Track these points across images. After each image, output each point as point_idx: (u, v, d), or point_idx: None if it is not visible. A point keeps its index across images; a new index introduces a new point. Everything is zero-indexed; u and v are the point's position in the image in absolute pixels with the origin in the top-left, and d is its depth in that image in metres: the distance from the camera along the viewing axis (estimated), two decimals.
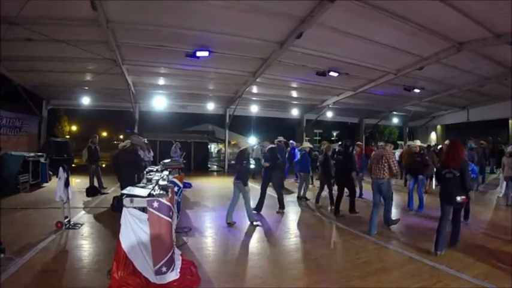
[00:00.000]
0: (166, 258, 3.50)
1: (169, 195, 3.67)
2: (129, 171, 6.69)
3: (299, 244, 6.02)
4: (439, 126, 24.98)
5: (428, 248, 5.43)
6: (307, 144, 10.86)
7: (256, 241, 6.15)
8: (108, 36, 8.82)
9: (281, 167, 9.34)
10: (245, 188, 7.12)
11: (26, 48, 9.89)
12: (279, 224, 7.28)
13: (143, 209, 3.53)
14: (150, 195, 3.59)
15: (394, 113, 22.91)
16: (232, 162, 15.45)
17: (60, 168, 6.29)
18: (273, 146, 9.11)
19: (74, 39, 9.14)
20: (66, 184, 6.28)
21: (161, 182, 4.16)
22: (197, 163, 20.27)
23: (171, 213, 3.55)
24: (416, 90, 14.82)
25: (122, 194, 3.64)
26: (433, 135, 25.38)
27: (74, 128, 36.92)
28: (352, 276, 4.41)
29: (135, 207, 3.47)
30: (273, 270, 4.65)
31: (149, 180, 4.92)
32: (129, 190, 3.67)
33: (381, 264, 4.89)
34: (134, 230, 3.44)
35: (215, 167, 23.61)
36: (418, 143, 9.17)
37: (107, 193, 10.35)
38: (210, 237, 6.27)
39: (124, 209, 3.45)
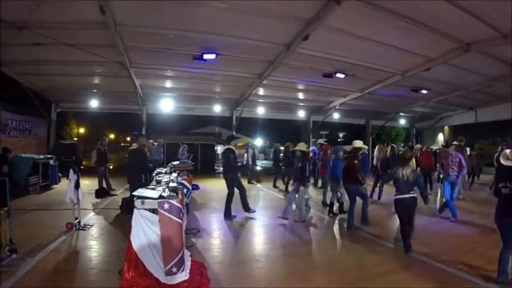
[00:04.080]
0: (176, 259, 3.54)
1: (180, 196, 3.72)
2: (137, 172, 6.76)
3: (307, 245, 6.04)
4: (446, 127, 24.71)
5: (433, 250, 5.47)
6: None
7: (263, 242, 6.19)
8: (116, 40, 8.93)
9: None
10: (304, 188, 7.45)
11: (35, 52, 10.03)
12: (286, 225, 7.28)
13: (154, 211, 3.58)
14: (160, 197, 3.63)
15: (401, 114, 22.79)
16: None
17: (71, 170, 6.37)
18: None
19: (83, 43, 9.26)
20: (77, 186, 6.36)
21: (171, 184, 4.20)
22: (204, 165, 20.30)
23: (181, 215, 3.60)
24: (424, 91, 14.70)
25: (133, 196, 3.69)
26: (440, 137, 25.14)
27: (81, 130, 37.23)
28: (361, 278, 4.41)
29: (146, 209, 3.52)
30: (281, 272, 4.67)
31: (158, 182, 4.97)
32: (140, 192, 3.72)
33: (389, 265, 4.87)
34: (145, 231, 3.48)
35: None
36: (357, 144, 7.42)
37: (116, 194, 10.44)
38: (218, 238, 6.31)
39: (135, 210, 3.50)
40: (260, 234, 6.79)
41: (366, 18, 8.02)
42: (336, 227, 7.33)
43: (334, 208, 8.28)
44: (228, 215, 7.82)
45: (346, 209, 7.77)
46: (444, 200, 8.04)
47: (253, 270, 4.71)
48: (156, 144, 12.96)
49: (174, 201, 3.51)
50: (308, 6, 7.53)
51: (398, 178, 5.52)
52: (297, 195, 7.69)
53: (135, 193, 3.76)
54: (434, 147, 20.12)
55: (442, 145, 14.78)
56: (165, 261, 3.49)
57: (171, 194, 3.70)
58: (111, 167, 17.97)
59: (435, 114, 22.66)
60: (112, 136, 48.25)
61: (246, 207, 8.08)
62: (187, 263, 4.11)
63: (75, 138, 31.46)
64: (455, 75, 12.61)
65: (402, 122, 25.14)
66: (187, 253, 4.38)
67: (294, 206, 7.80)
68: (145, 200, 3.52)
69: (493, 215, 4.54)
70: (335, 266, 4.93)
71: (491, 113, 19.29)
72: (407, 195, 5.45)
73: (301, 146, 7.70)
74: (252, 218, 7.89)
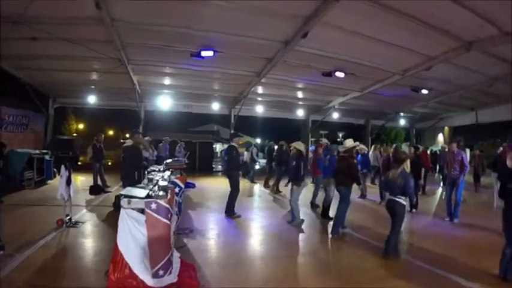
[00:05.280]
0: (163, 261, 3.43)
1: (169, 196, 3.60)
2: (130, 169, 6.66)
3: (303, 248, 5.93)
4: (446, 128, 24.58)
5: (434, 254, 5.39)
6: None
7: (259, 244, 6.07)
8: (113, 36, 8.80)
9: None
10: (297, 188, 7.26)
11: (33, 46, 9.90)
12: (283, 227, 7.19)
13: (142, 211, 3.46)
14: (148, 196, 3.53)
15: (401, 114, 22.63)
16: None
17: (62, 166, 6.27)
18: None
19: (79, 38, 9.15)
20: (68, 182, 6.26)
21: (161, 183, 4.08)
22: (202, 163, 20.23)
23: (169, 215, 3.48)
24: (424, 91, 14.55)
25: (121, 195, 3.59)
26: (440, 137, 25.02)
27: (81, 126, 37.17)
28: (358, 282, 4.32)
29: (133, 209, 3.41)
30: (276, 275, 4.55)
31: (150, 180, 4.87)
32: (128, 191, 3.61)
33: (386, 271, 4.74)
34: (132, 231, 3.37)
35: (220, 167, 23.52)
36: (349, 143, 7.09)
37: (110, 191, 10.33)
38: (212, 239, 6.19)
39: (122, 210, 3.39)
40: (255, 236, 6.66)
41: (366, 16, 7.89)
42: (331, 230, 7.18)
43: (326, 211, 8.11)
44: (231, 213, 7.79)
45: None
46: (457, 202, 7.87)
47: (246, 273, 4.59)
48: (163, 141, 13.85)
49: (161, 201, 3.39)
50: (306, 3, 7.39)
51: (388, 179, 5.45)
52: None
53: (122, 192, 3.66)
54: (435, 148, 20.10)
55: (442, 146, 14.66)
56: (152, 263, 3.38)
57: (160, 193, 3.59)
58: (109, 163, 17.89)
59: (435, 114, 22.55)
60: (111, 132, 48.13)
61: (231, 211, 7.88)
62: (176, 265, 4.01)
63: (75, 134, 31.42)
64: (456, 74, 12.49)
65: (402, 122, 25.01)
66: (176, 254, 4.28)
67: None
68: (132, 199, 3.41)
69: (496, 216, 4.45)
70: (331, 270, 4.83)
71: (492, 114, 19.13)
72: (392, 198, 5.34)
73: (298, 145, 7.55)
74: (247, 219, 7.80)
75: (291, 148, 8.01)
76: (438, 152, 15.81)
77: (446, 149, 14.05)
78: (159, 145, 14.43)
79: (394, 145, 13.93)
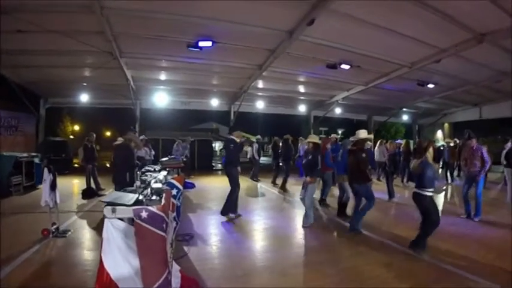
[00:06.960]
0: (160, 281, 2.77)
1: (163, 201, 2.96)
2: (122, 170, 5.99)
3: (317, 255, 5.24)
4: (446, 124, 24.10)
5: (462, 257, 4.85)
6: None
7: (266, 251, 5.41)
8: (104, 25, 8.13)
9: None
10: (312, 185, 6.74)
11: (18, 40, 9.21)
12: (293, 230, 6.60)
13: (132, 220, 2.81)
14: (138, 202, 2.86)
15: (404, 109, 22.23)
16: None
17: (45, 170, 5.60)
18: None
19: (67, 29, 8.46)
20: (53, 187, 5.60)
21: (154, 185, 3.42)
22: (201, 162, 19.63)
23: (164, 225, 2.82)
24: (430, 86, 14.05)
25: (103, 202, 2.94)
26: (439, 133, 24.46)
27: (76, 127, 36.28)
28: None
29: (119, 218, 2.75)
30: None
31: (143, 182, 4.23)
32: (113, 196, 2.96)
33: (414, 278, 4.16)
34: (119, 246, 2.72)
35: (220, 165, 22.89)
36: (362, 134, 6.54)
37: (104, 195, 9.64)
38: (215, 246, 5.57)
39: (106, 220, 2.74)
40: (261, 241, 5.99)
41: (377, 3, 7.33)
42: (351, 234, 6.33)
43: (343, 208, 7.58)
44: (226, 213, 7.22)
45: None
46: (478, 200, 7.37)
47: (254, 286, 4.00)
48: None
49: (154, 208, 2.74)
50: None
51: (410, 170, 5.19)
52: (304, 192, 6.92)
53: (104, 199, 3.01)
54: (438, 144, 19.57)
55: (446, 141, 14.08)
56: (146, 284, 2.73)
57: (152, 198, 2.94)
58: (107, 165, 17.20)
59: (439, 110, 22.12)
60: (108, 133, 47.28)
61: (226, 210, 7.30)
62: (176, 280, 3.40)
63: (71, 136, 30.70)
64: (464, 68, 11.95)
65: (405, 117, 24.67)
66: (176, 267, 3.65)
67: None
68: (117, 208, 2.74)
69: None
70: (352, 280, 4.17)
71: (496, 110, 18.78)
72: (416, 190, 5.03)
73: (313, 138, 7.00)
74: (252, 221, 7.20)
75: (307, 142, 7.41)
76: (442, 148, 15.21)
77: (451, 144, 13.84)
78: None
79: (397, 141, 13.19)
